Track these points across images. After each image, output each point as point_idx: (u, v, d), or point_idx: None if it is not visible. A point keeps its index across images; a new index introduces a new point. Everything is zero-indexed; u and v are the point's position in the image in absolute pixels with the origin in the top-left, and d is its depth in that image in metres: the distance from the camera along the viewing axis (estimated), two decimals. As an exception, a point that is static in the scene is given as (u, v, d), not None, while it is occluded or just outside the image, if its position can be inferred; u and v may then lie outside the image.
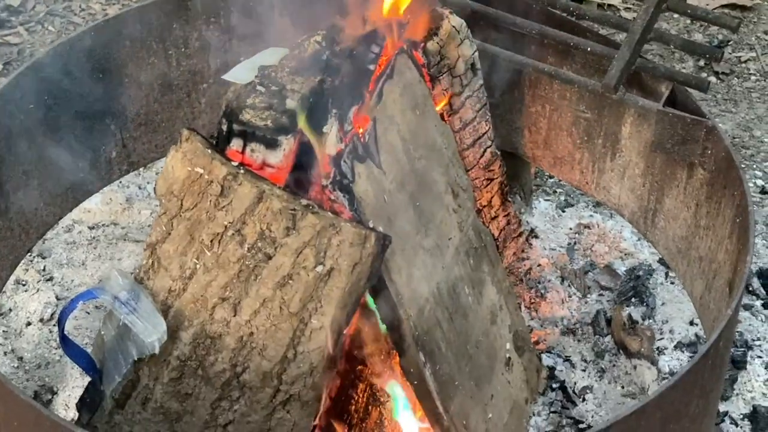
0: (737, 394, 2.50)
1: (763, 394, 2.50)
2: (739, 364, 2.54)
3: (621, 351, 2.54)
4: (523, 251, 2.71)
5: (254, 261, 1.86)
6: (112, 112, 2.46)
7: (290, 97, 1.92)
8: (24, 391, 2.34)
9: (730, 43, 3.64)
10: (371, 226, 1.88)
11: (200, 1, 2.49)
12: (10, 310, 2.63)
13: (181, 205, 1.90)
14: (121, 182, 2.83)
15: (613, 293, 2.68)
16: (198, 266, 1.88)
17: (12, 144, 2.26)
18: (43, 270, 2.72)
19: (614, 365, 2.52)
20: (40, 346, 2.56)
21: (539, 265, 2.72)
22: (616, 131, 2.42)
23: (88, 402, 1.97)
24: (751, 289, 2.74)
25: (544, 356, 2.51)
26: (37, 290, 2.67)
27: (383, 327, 2.00)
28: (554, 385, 2.46)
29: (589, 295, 2.68)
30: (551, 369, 2.49)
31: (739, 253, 2.06)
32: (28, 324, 2.60)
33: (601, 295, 2.69)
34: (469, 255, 2.17)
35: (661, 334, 2.59)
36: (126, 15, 2.44)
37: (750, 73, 3.54)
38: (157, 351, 1.86)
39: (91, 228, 2.84)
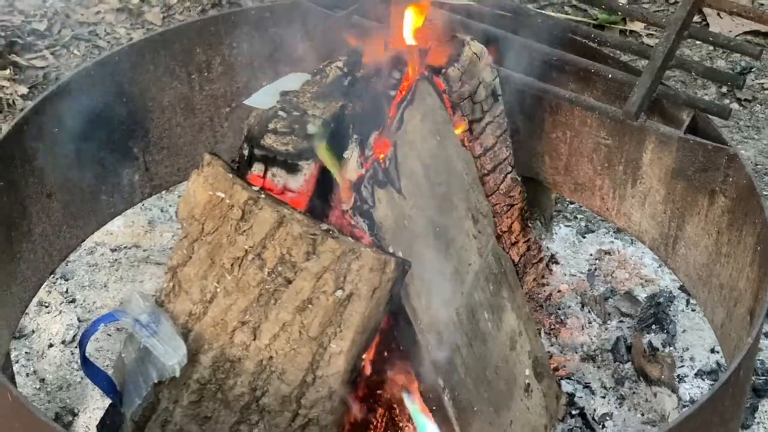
0: (758, 423, 2.49)
1: (785, 422, 2.49)
2: (760, 392, 2.53)
3: (641, 378, 2.53)
4: (543, 277, 2.70)
5: (274, 285, 1.86)
6: (135, 135, 2.48)
7: (311, 122, 1.94)
8: (45, 412, 2.34)
9: (752, 70, 3.63)
10: (391, 251, 1.89)
11: (223, 27, 2.51)
12: (33, 331, 2.64)
13: (203, 228, 1.90)
14: (143, 205, 2.84)
15: (633, 320, 2.67)
16: (218, 290, 1.89)
17: (36, 167, 2.28)
18: (66, 292, 2.74)
19: (634, 392, 2.51)
20: (61, 367, 2.57)
21: (559, 291, 2.72)
22: (637, 158, 2.42)
23: (108, 424, 1.97)
24: (772, 316, 2.73)
25: (563, 382, 2.50)
26: (60, 312, 2.68)
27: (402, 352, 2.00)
28: (574, 412, 2.45)
29: (609, 322, 2.67)
30: (571, 395, 2.48)
31: (760, 281, 2.05)
32: (50, 346, 2.61)
33: (621, 321, 2.68)
34: (489, 281, 2.17)
35: (681, 361, 2.58)
36: (150, 40, 2.47)
37: (772, 100, 3.53)
38: (177, 374, 1.86)
39: (113, 250, 2.85)
